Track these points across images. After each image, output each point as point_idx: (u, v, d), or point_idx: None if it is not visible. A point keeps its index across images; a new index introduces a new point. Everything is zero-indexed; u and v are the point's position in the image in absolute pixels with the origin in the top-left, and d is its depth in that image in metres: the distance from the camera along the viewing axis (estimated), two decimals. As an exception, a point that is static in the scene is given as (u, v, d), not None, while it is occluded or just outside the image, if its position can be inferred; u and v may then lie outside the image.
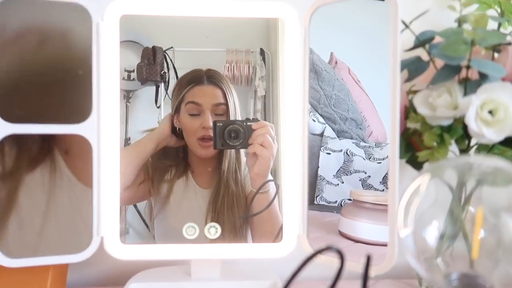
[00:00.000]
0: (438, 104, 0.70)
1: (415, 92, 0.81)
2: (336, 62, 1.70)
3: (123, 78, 3.19)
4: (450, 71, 0.74)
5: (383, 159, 1.18)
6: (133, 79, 3.15)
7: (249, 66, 2.76)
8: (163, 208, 0.99)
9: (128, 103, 3.29)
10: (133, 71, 3.15)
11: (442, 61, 0.76)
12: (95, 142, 0.66)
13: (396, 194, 0.63)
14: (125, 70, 3.26)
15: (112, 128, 0.74)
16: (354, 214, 0.81)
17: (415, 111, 0.76)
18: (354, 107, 1.37)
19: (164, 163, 0.99)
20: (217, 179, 0.99)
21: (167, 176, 0.99)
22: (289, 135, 0.78)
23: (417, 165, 0.82)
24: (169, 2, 0.70)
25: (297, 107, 0.85)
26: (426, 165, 0.79)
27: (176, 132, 0.98)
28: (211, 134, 0.93)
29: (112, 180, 0.72)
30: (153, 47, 3.00)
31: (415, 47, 0.87)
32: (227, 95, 1.01)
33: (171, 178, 0.99)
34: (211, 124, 0.94)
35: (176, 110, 0.99)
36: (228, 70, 2.96)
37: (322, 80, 1.34)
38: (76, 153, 0.71)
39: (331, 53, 1.81)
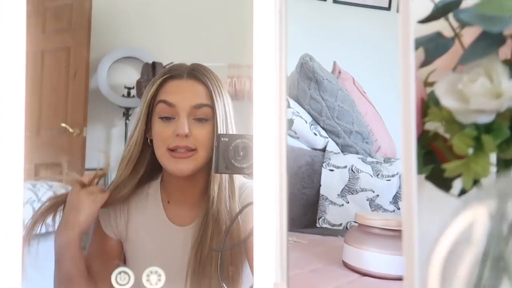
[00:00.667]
0: (472, 92, 0.50)
1: (432, 84, 0.59)
2: (339, 72, 1.59)
3: (123, 95, 3.11)
4: (490, 42, 0.51)
5: (393, 175, 1.06)
6: (133, 96, 3.06)
7: (251, 81, 2.67)
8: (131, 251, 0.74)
9: (127, 121, 3.19)
10: (133, 88, 3.06)
11: (475, 31, 0.55)
12: None
13: (414, 219, 0.47)
14: (125, 87, 3.17)
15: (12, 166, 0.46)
16: (360, 241, 0.68)
17: (437, 104, 0.53)
18: (360, 119, 1.26)
19: (123, 192, 0.73)
20: (202, 213, 0.72)
21: (127, 209, 0.74)
22: (262, 145, 0.48)
23: (443, 183, 0.57)
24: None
25: (271, 103, 0.47)
26: (486, 185, 0.52)
27: (148, 144, 0.75)
28: (188, 144, 0.70)
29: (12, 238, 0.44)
30: (153, 63, 2.92)
31: (433, 17, 0.58)
32: (214, 95, 0.74)
33: (134, 211, 0.74)
34: (186, 130, 0.70)
35: (148, 115, 0.74)
36: (230, 85, 2.87)
37: (323, 90, 1.23)
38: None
39: (334, 62, 1.71)
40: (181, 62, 2.68)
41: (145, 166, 0.75)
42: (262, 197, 0.42)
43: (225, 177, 0.73)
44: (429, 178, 0.57)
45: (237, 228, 0.70)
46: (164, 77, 0.75)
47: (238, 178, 0.76)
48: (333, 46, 2.08)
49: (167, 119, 0.72)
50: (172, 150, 0.70)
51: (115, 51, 2.83)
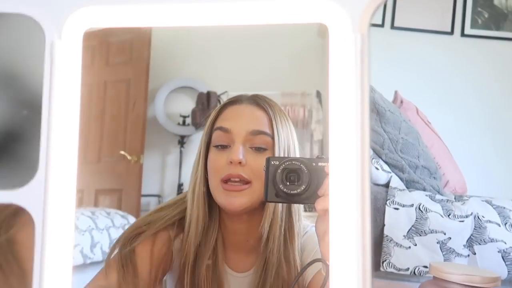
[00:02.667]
0: None
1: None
2: (401, 102, 1.52)
3: (178, 123, 3.18)
4: None
5: (467, 216, 0.96)
6: (188, 124, 3.13)
7: (304, 109, 2.65)
8: None
9: (182, 148, 3.25)
10: (188, 116, 3.13)
11: None
12: (40, 215, 0.38)
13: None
14: (180, 115, 3.26)
15: (66, 194, 0.43)
16: (437, 298, 0.60)
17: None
18: (426, 152, 1.17)
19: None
20: (260, 258, 0.64)
21: (185, 259, 0.64)
22: (342, 189, 0.39)
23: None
24: (148, 11, 0.32)
25: (352, 148, 0.39)
26: None
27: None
28: (242, 173, 0.61)
29: (61, 269, 0.41)
30: (208, 92, 2.97)
31: None
32: (274, 123, 0.66)
33: (191, 261, 0.63)
34: (240, 156, 0.61)
35: (207, 146, 0.67)
36: (282, 114, 2.84)
37: (385, 122, 1.17)
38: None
39: (395, 92, 1.63)
40: (234, 91, 2.72)
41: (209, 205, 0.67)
42: (339, 249, 0.35)
43: (282, 215, 0.64)
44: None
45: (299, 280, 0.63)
46: (224, 103, 0.69)
47: (300, 221, 0.67)
48: (393, 74, 2.00)
49: (222, 147, 0.65)
50: (224, 181, 0.62)
51: (172, 81, 2.93)
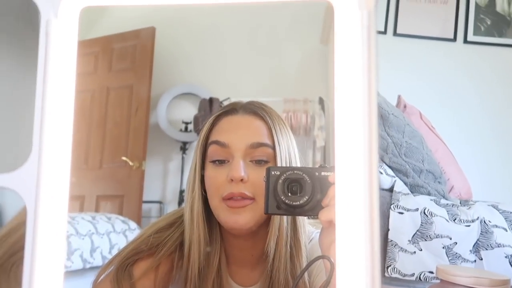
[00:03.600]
0: None
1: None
2: (404, 106, 1.50)
3: (180, 130, 3.17)
4: None
5: (473, 220, 0.94)
6: (190, 130, 3.12)
7: (307, 116, 2.64)
8: None
9: (184, 155, 3.23)
10: (190, 122, 3.12)
11: None
12: (32, 200, 0.36)
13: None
14: (183, 122, 3.25)
15: (59, 179, 0.41)
16: (445, 301, 0.59)
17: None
18: (430, 156, 1.16)
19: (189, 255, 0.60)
20: (266, 274, 0.60)
21: (191, 272, 0.59)
22: (350, 194, 0.38)
23: None
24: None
25: (360, 147, 0.36)
26: None
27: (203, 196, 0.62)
28: (244, 191, 0.57)
29: (53, 257, 0.39)
30: (210, 98, 2.96)
31: None
32: (274, 132, 0.61)
33: (199, 272, 0.59)
34: (242, 174, 0.57)
35: (203, 160, 0.62)
36: (285, 120, 2.85)
37: (389, 125, 1.15)
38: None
39: (399, 96, 1.61)
40: (237, 97, 2.71)
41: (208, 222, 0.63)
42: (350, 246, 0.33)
43: (287, 230, 0.60)
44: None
45: (304, 286, 0.60)
46: (217, 114, 0.63)
47: (305, 232, 0.63)
48: (396, 79, 1.99)
49: (220, 162, 0.59)
50: (226, 199, 0.57)
51: (175, 88, 2.93)
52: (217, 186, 0.58)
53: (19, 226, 0.56)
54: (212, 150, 0.60)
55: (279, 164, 0.60)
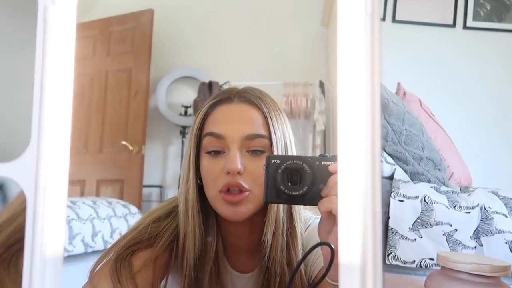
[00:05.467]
0: None
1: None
2: (404, 94, 1.50)
3: (180, 114, 3.15)
4: None
5: (473, 207, 0.95)
6: (190, 114, 3.10)
7: (307, 99, 2.63)
8: None
9: (184, 139, 3.22)
10: (190, 106, 3.10)
11: None
12: (31, 189, 0.36)
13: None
14: (182, 106, 3.23)
15: (59, 168, 0.41)
16: (445, 289, 0.60)
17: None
18: (430, 144, 1.16)
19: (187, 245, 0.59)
20: (262, 261, 0.61)
21: (187, 262, 0.59)
22: (352, 182, 0.35)
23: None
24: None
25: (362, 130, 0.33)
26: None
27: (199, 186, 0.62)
28: (241, 182, 0.57)
29: (53, 245, 0.39)
30: (210, 82, 2.94)
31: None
32: (270, 122, 0.60)
33: (195, 262, 0.59)
34: (239, 166, 0.57)
35: (197, 150, 0.61)
36: (285, 104, 2.82)
37: (389, 113, 1.15)
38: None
39: (398, 84, 1.61)
40: (237, 81, 2.68)
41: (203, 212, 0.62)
42: (348, 244, 0.34)
43: (284, 219, 0.61)
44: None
45: (302, 273, 0.62)
46: (211, 103, 0.62)
47: (301, 219, 0.64)
48: (396, 67, 1.98)
49: (215, 153, 0.59)
50: (223, 192, 0.57)
51: (174, 71, 2.91)
52: (214, 178, 0.58)
53: (16, 216, 0.56)
54: (208, 141, 0.59)
55: (275, 153, 0.60)
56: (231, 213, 0.57)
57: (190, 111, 2.81)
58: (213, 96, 0.63)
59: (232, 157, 0.57)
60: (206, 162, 0.59)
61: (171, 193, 2.79)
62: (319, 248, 0.49)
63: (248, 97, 0.62)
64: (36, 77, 0.32)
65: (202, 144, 0.60)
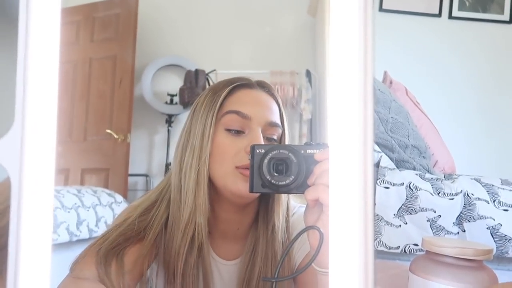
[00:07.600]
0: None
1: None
2: (390, 82, 1.51)
3: (166, 102, 3.11)
4: None
5: (456, 194, 0.97)
6: (176, 103, 3.07)
7: (294, 88, 2.63)
8: None
9: (170, 128, 3.19)
10: (176, 95, 3.06)
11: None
12: (16, 171, 0.34)
13: None
14: (168, 94, 3.19)
15: (45, 148, 0.39)
16: (430, 272, 0.61)
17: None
18: (416, 132, 1.17)
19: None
20: (248, 246, 0.62)
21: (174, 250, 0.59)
22: (344, 170, 0.36)
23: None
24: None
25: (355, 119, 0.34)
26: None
27: None
28: None
29: (40, 231, 0.38)
30: (196, 70, 2.91)
31: None
32: (283, 114, 0.65)
33: (177, 248, 0.59)
34: None
35: (204, 129, 0.61)
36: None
37: (375, 101, 1.16)
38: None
39: (385, 72, 1.61)
40: (223, 69, 2.64)
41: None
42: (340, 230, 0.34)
43: (272, 205, 0.62)
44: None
45: (287, 260, 0.63)
46: (234, 84, 0.63)
47: (286, 202, 0.65)
48: (382, 55, 1.99)
49: (236, 132, 0.60)
50: (242, 168, 0.58)
51: (159, 59, 2.87)
52: (232, 155, 0.58)
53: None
54: (230, 119, 0.60)
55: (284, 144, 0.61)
56: (244, 188, 0.56)
57: (176, 99, 2.77)
58: (230, 79, 0.64)
59: (257, 137, 0.59)
60: (223, 138, 0.60)
61: (157, 181, 2.76)
62: (304, 235, 0.49)
63: (266, 87, 0.65)
64: (19, 56, 0.31)
65: (219, 121, 0.61)
